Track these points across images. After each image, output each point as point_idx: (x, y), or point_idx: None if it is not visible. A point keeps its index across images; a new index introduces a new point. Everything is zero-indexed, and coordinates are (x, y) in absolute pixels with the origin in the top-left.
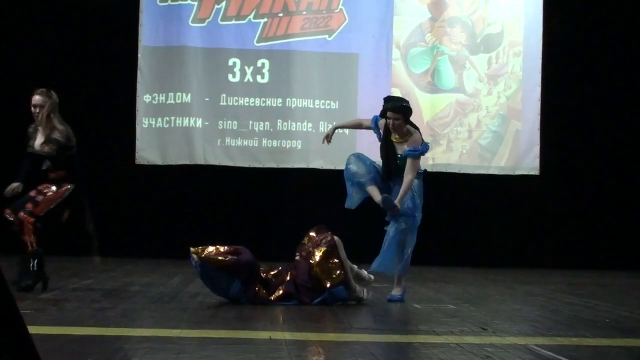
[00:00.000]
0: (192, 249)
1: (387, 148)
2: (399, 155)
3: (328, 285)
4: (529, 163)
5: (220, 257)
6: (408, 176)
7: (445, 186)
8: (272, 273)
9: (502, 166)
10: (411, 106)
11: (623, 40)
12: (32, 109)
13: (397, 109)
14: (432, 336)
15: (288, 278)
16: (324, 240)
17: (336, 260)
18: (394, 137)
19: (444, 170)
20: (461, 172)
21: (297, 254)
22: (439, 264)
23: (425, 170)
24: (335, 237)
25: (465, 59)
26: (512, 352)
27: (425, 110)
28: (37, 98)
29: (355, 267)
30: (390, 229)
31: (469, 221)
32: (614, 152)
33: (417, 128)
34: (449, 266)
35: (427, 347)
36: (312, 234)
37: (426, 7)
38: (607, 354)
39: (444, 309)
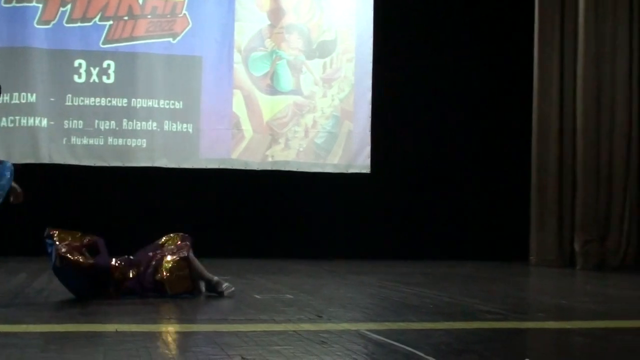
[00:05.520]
0: (51, 232)
1: None
2: None
3: (170, 292)
4: (361, 162)
5: (80, 258)
6: None
7: (283, 183)
8: (118, 263)
9: (336, 164)
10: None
11: (444, 49)
12: None
13: None
14: (271, 324)
15: (131, 275)
16: (180, 252)
17: (186, 275)
18: None
19: (282, 168)
20: (299, 169)
21: (151, 253)
22: (277, 256)
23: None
24: (191, 254)
25: (302, 64)
26: (345, 337)
27: (265, 111)
28: None
29: (216, 278)
30: None
31: (306, 215)
32: (437, 151)
33: None
34: (286, 258)
35: (268, 335)
36: (173, 241)
37: (266, 15)
38: (431, 336)
39: (283, 298)
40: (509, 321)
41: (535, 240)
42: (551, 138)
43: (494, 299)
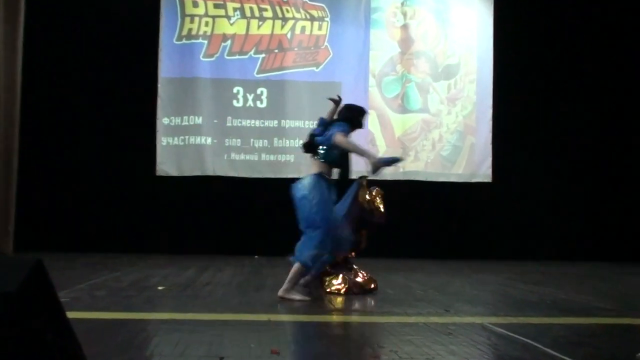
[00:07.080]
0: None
1: None
2: None
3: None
4: (483, 172)
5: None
6: None
7: (413, 191)
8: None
9: (460, 174)
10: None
11: (557, 68)
12: None
13: None
14: (404, 317)
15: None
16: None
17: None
18: None
19: (412, 177)
20: (427, 179)
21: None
22: (407, 256)
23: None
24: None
25: (429, 85)
26: (470, 330)
27: (397, 127)
28: None
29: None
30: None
31: (433, 219)
32: (553, 162)
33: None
34: (417, 258)
35: (400, 326)
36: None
37: (396, 44)
38: (549, 330)
39: (414, 293)
40: (622, 317)
41: None
42: None
43: (607, 296)
